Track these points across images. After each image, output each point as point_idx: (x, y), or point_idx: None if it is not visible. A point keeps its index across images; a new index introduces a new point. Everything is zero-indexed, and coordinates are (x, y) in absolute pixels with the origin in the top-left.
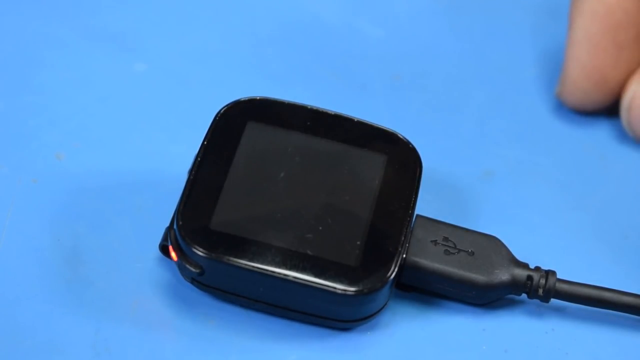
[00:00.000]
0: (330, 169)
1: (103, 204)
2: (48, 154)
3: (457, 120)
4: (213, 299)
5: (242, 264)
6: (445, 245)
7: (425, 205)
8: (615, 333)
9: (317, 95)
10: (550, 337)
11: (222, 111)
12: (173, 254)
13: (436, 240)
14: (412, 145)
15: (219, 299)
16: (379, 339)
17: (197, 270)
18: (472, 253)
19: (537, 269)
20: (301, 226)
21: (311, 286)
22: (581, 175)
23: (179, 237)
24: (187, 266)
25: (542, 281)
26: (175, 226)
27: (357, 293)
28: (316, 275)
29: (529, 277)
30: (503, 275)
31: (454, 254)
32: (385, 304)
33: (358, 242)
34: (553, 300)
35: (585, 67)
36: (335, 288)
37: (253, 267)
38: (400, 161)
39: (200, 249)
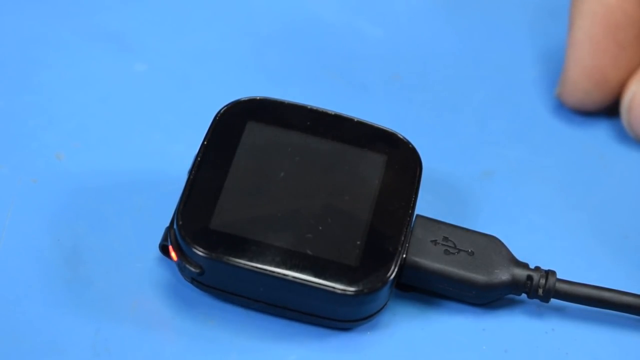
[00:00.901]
0: (330, 169)
1: (103, 204)
2: (48, 154)
3: (457, 120)
4: (213, 299)
5: (242, 263)
6: (445, 245)
7: (425, 205)
8: (615, 333)
9: (317, 95)
10: (550, 337)
11: (222, 111)
12: (173, 254)
13: (436, 240)
14: (412, 145)
15: (219, 298)
16: (379, 339)
17: (197, 270)
18: (472, 253)
19: (537, 269)
20: (301, 226)
21: (311, 286)
22: (581, 175)
23: (179, 237)
24: (187, 266)
25: (542, 281)
26: (175, 226)
27: (357, 293)
28: (316, 275)
29: (529, 277)
30: (503, 275)
31: (454, 253)
32: (385, 304)
33: (358, 242)
34: (553, 300)
35: (586, 68)
36: (335, 288)
37: (253, 267)
38: (400, 161)
39: (200, 249)
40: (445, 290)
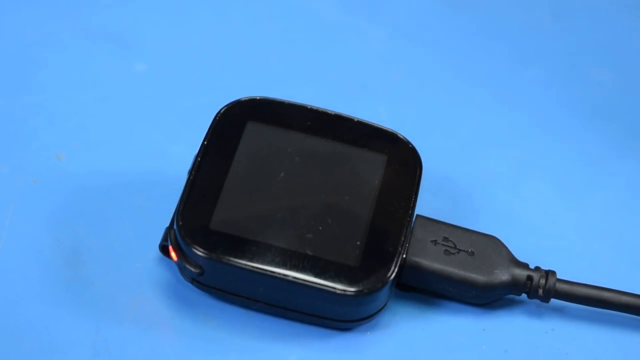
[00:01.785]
0: (330, 168)
1: (103, 204)
2: (48, 154)
3: (457, 120)
4: (213, 299)
5: (242, 264)
6: (445, 245)
7: (425, 205)
8: (615, 333)
9: (317, 95)
10: (550, 337)
11: (222, 111)
12: (173, 254)
13: (436, 240)
14: (412, 145)
15: (219, 299)
16: (379, 339)
17: (197, 271)
18: (472, 253)
19: (537, 269)
20: (301, 226)
21: (311, 286)
22: (581, 175)
23: (178, 237)
24: (187, 266)
25: (542, 281)
26: (175, 226)
27: (357, 293)
28: (316, 276)
29: (529, 277)
30: (503, 275)
31: (454, 254)
32: (386, 304)
33: (358, 242)
34: (553, 300)
35: None
36: (335, 288)
37: (253, 267)
38: (400, 161)
39: (200, 249)
40: (445, 290)
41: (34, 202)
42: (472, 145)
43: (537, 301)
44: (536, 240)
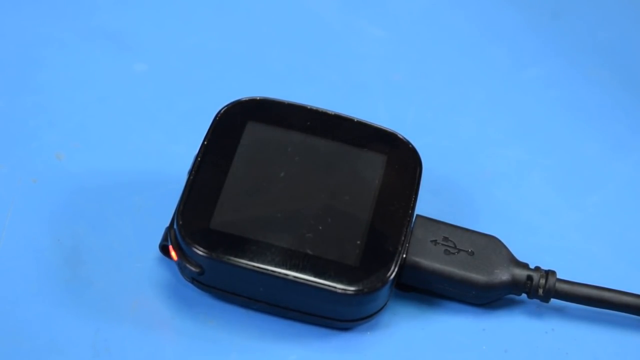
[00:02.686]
0: (330, 169)
1: (103, 204)
2: (48, 154)
3: (457, 120)
4: (213, 298)
5: (242, 263)
6: (445, 245)
7: (425, 205)
8: (615, 333)
9: (317, 95)
10: (550, 337)
11: (222, 111)
12: (173, 254)
13: (436, 240)
14: (412, 145)
15: (219, 298)
16: (379, 339)
17: (197, 270)
18: (472, 253)
19: (537, 269)
20: (301, 226)
21: (311, 286)
22: (581, 175)
23: (179, 236)
24: (187, 266)
25: (542, 281)
26: (175, 226)
27: (357, 293)
28: (316, 275)
29: (529, 277)
30: (503, 275)
31: (454, 253)
32: (385, 303)
33: (358, 242)
34: (553, 300)
35: None
36: (335, 287)
37: (253, 266)
38: (400, 161)
39: (201, 249)
40: (445, 290)
41: (34, 202)
42: (472, 145)
43: (537, 301)
44: (536, 240)
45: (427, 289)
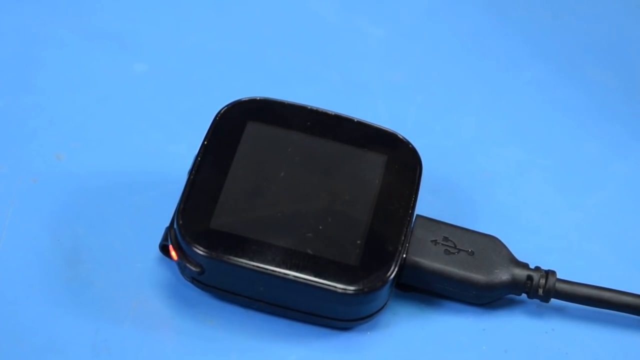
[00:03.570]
0: (330, 169)
1: (103, 204)
2: (48, 154)
3: (457, 120)
4: (213, 298)
5: (242, 263)
6: (445, 245)
7: (425, 205)
8: (615, 333)
9: (317, 95)
10: (550, 337)
11: (222, 111)
12: (173, 254)
13: (436, 240)
14: (412, 145)
15: (219, 298)
16: (378, 339)
17: (198, 270)
18: (472, 253)
19: (537, 269)
20: (301, 225)
21: (311, 285)
22: (581, 176)
23: (179, 236)
24: (188, 265)
25: (542, 281)
26: (175, 225)
27: (357, 292)
28: (316, 275)
29: (529, 277)
30: (503, 275)
31: (454, 253)
32: (385, 303)
33: (358, 242)
34: (553, 300)
35: None
36: (335, 287)
37: (253, 266)
38: (400, 161)
39: (201, 248)
40: (445, 290)
41: (34, 202)
42: (472, 145)
43: (537, 301)
44: (536, 240)
45: (427, 289)
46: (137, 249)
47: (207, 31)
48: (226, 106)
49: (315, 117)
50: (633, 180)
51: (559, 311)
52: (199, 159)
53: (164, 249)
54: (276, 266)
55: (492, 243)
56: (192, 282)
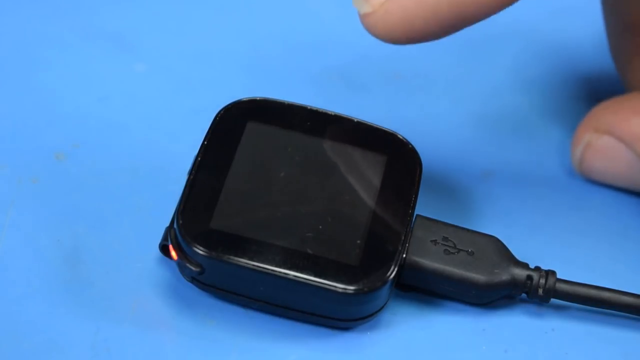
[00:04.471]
0: (330, 169)
1: (103, 204)
2: (48, 154)
3: (457, 120)
4: (213, 298)
5: (242, 262)
6: (445, 244)
7: (425, 205)
8: (615, 333)
9: (317, 95)
10: (550, 337)
11: (222, 111)
12: (173, 253)
13: (436, 240)
14: (412, 145)
15: (219, 298)
16: (378, 339)
17: (198, 269)
18: (472, 253)
19: (537, 268)
20: (301, 225)
21: (311, 285)
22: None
23: (179, 236)
24: (188, 265)
25: (542, 281)
26: (175, 225)
27: (357, 292)
28: (316, 274)
29: (529, 277)
30: (503, 275)
31: (454, 253)
32: (385, 303)
33: (358, 242)
34: (553, 300)
35: None
36: (335, 287)
37: (253, 265)
38: (400, 161)
39: (201, 248)
40: (445, 290)
41: (34, 202)
42: (472, 145)
43: (537, 301)
44: (536, 239)
45: (427, 289)
46: (137, 249)
47: (207, 31)
48: (226, 106)
49: (315, 117)
50: None
51: (559, 311)
52: (199, 159)
53: (164, 249)
54: (276, 266)
55: (492, 243)
56: (192, 282)
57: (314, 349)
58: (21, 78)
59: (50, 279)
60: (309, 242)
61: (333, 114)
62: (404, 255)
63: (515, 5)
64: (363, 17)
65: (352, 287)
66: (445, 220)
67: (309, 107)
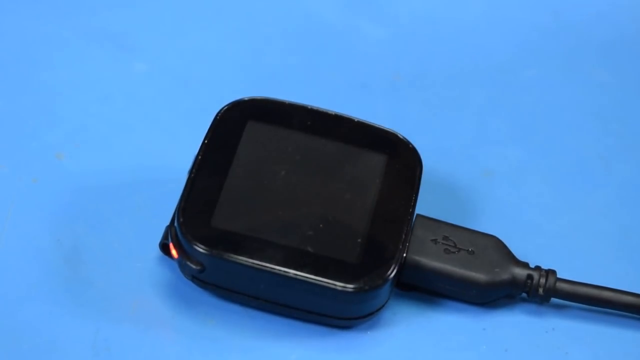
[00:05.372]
0: (330, 168)
1: (103, 204)
2: (48, 154)
3: (457, 120)
4: (213, 298)
5: (242, 261)
6: (446, 244)
7: (425, 205)
8: (615, 333)
9: (317, 95)
10: (550, 336)
11: (222, 111)
12: (174, 252)
13: (436, 239)
14: (412, 145)
15: (219, 296)
16: (379, 338)
17: (198, 268)
18: (472, 252)
19: (537, 268)
20: (302, 224)
21: (312, 283)
22: (581, 175)
23: (179, 234)
24: (188, 263)
25: (542, 280)
26: (176, 223)
27: (357, 290)
28: (317, 273)
29: (529, 277)
30: (503, 274)
31: (454, 252)
32: (386, 302)
33: (359, 240)
34: (553, 300)
35: None
36: (335, 285)
37: (253, 264)
38: (400, 161)
39: (201, 246)
40: (445, 289)
41: (34, 202)
42: (472, 145)
43: (537, 301)
44: (536, 239)
45: (428, 288)
46: (137, 249)
47: (207, 31)
48: (226, 106)
49: (316, 117)
50: (633, 180)
51: (559, 311)
52: (200, 157)
53: (164, 248)
54: (276, 264)
55: (492, 242)
56: (192, 280)
57: (314, 348)
58: (21, 78)
59: (50, 279)
60: (309, 241)
61: (333, 113)
62: (405, 254)
63: None
64: None
65: (352, 286)
66: (446, 220)
67: (309, 107)
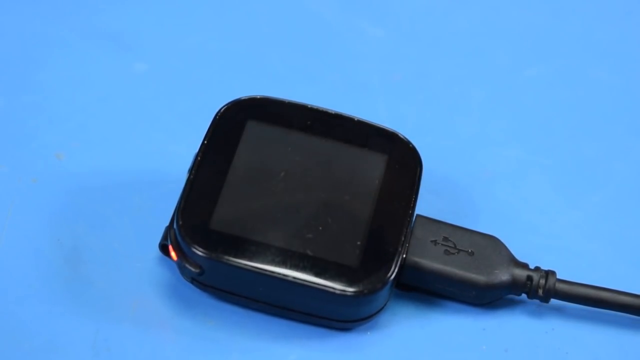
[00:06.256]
0: (330, 168)
1: (103, 204)
2: (48, 154)
3: (457, 120)
4: (213, 298)
5: (241, 264)
6: (445, 245)
7: (425, 205)
8: (615, 333)
9: (317, 94)
10: (550, 337)
11: (222, 110)
12: (173, 254)
13: (436, 240)
14: (412, 145)
15: (219, 298)
16: (378, 339)
17: (197, 270)
18: (472, 253)
19: (537, 269)
20: (301, 226)
21: (311, 286)
22: (581, 175)
23: (178, 236)
24: (187, 266)
25: (542, 281)
26: (175, 225)
27: (356, 294)
28: (316, 276)
29: (529, 277)
30: (503, 275)
31: (454, 253)
32: (385, 304)
33: (358, 242)
34: (553, 300)
35: None
36: (334, 288)
37: (252, 267)
38: (401, 161)
39: (200, 249)
40: (445, 290)
41: (34, 202)
42: (472, 145)
43: (537, 301)
44: (536, 240)
45: (427, 289)
46: (137, 249)
47: (207, 31)
48: (226, 105)
49: (316, 116)
50: (633, 180)
51: (559, 311)
52: (199, 158)
53: (163, 249)
54: (275, 267)
55: (492, 243)
56: (191, 282)
57: (314, 349)
58: (21, 78)
59: (50, 279)
60: (308, 243)
61: (333, 112)
62: (404, 256)
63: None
64: None
65: (352, 289)
66: (445, 220)
67: (309, 106)
